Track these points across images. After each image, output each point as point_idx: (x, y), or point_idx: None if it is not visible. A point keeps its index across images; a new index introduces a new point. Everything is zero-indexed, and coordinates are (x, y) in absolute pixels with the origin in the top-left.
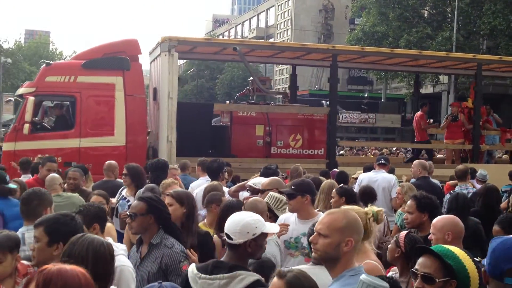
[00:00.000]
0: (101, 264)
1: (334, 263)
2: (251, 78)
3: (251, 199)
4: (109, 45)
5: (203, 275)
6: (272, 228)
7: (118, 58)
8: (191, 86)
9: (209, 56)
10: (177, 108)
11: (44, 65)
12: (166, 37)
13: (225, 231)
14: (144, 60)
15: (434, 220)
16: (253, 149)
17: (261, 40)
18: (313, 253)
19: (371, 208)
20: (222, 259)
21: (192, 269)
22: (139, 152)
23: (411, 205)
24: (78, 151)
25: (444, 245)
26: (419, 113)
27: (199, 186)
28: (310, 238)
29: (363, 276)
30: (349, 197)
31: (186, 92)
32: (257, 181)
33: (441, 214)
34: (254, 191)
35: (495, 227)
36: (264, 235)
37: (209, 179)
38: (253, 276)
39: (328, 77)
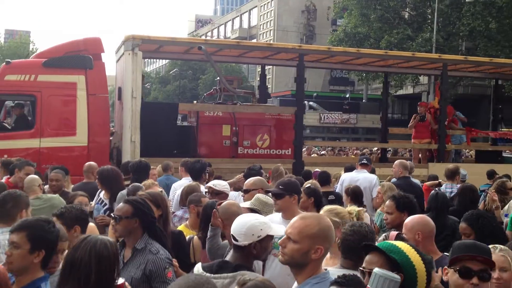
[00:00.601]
0: (105, 267)
1: (300, 269)
2: (218, 77)
3: (224, 203)
4: (71, 43)
5: (207, 275)
6: (278, 230)
7: (80, 57)
8: (173, 87)
9: (176, 55)
10: (141, 108)
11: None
12: (129, 36)
13: (231, 232)
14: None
15: (406, 220)
16: (219, 149)
17: (227, 39)
18: (279, 256)
19: (353, 208)
20: (227, 259)
21: (197, 268)
22: (102, 152)
23: (390, 205)
24: (38, 151)
25: (391, 241)
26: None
27: (179, 186)
28: (279, 241)
29: (376, 269)
30: (317, 198)
31: (169, 92)
32: (217, 182)
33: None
34: (213, 193)
35: (462, 224)
36: (269, 238)
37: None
38: (255, 276)
39: (298, 77)
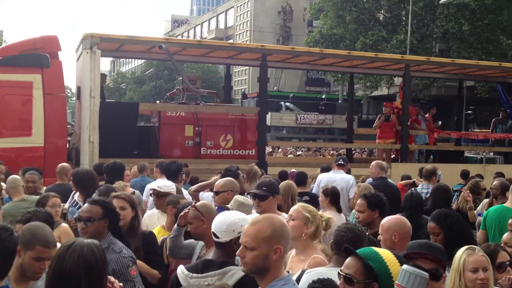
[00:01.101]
0: (94, 274)
1: (264, 273)
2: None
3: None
4: (27, 41)
5: (194, 275)
6: None
7: (36, 55)
8: (149, 87)
9: (137, 55)
10: (100, 107)
11: None
12: (87, 34)
13: (212, 229)
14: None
15: (382, 221)
16: (182, 149)
17: (190, 39)
18: (242, 266)
19: (326, 214)
20: (210, 257)
21: (181, 270)
22: (59, 153)
23: (362, 204)
24: None
25: (373, 247)
26: (426, 115)
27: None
28: (237, 252)
29: (405, 266)
30: (334, 197)
31: (145, 93)
32: (163, 183)
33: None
34: (158, 195)
35: (430, 224)
36: None
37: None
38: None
39: (261, 77)
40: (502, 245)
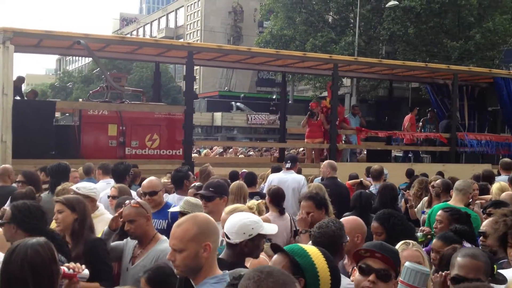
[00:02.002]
0: (41, 275)
1: (197, 272)
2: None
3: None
4: None
5: None
6: (270, 229)
7: None
8: (97, 86)
9: (60, 51)
10: (14, 106)
11: None
12: (0, 28)
13: (224, 230)
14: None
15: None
16: (105, 149)
17: (112, 35)
18: (175, 270)
19: (252, 202)
20: (221, 256)
21: None
22: None
23: (309, 205)
24: None
25: (300, 244)
26: (408, 115)
27: (100, 189)
28: (167, 256)
29: (407, 263)
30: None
31: (103, 92)
32: (82, 185)
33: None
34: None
35: (373, 224)
36: (261, 236)
37: (110, 182)
38: None
39: (187, 75)
40: (433, 253)
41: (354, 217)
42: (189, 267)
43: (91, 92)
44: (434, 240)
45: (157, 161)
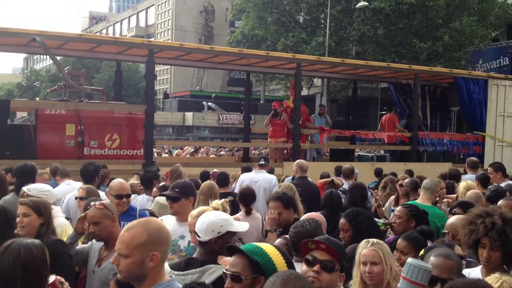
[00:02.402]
0: (31, 276)
1: (142, 280)
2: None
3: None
4: None
5: (176, 272)
6: (240, 227)
7: None
8: None
9: (13, 48)
10: None
11: None
12: None
13: (195, 229)
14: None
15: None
16: (62, 150)
17: (70, 32)
18: (118, 275)
19: (216, 202)
20: (194, 255)
21: (165, 267)
22: None
23: (278, 206)
24: None
25: (255, 243)
26: (389, 115)
27: (63, 192)
28: (112, 260)
29: (410, 260)
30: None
31: (61, 91)
32: (32, 187)
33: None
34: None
35: (341, 220)
36: (230, 234)
37: (70, 183)
38: (223, 269)
39: (147, 74)
40: (398, 253)
41: (317, 213)
42: (132, 275)
43: (48, 90)
44: (399, 240)
45: (117, 162)
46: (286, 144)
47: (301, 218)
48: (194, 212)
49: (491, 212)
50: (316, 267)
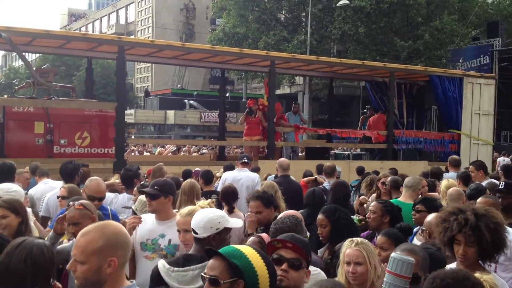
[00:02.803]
0: (41, 272)
1: (100, 287)
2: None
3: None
4: None
5: (176, 269)
6: (235, 223)
7: None
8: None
9: None
10: None
11: None
12: None
13: (191, 226)
14: None
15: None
16: (31, 148)
17: (37, 28)
18: (75, 281)
19: (203, 202)
20: (190, 252)
21: (163, 264)
22: None
23: (258, 205)
24: None
25: (234, 245)
26: (377, 115)
27: (41, 191)
28: (67, 266)
29: (393, 254)
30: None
31: (39, 89)
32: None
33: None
34: None
35: (319, 216)
36: (227, 230)
37: (48, 182)
38: None
39: (118, 71)
40: (378, 249)
41: (294, 211)
42: (89, 281)
43: (16, 87)
44: (379, 236)
45: (87, 160)
46: (260, 142)
47: (279, 216)
48: (184, 211)
49: (463, 208)
50: (283, 266)
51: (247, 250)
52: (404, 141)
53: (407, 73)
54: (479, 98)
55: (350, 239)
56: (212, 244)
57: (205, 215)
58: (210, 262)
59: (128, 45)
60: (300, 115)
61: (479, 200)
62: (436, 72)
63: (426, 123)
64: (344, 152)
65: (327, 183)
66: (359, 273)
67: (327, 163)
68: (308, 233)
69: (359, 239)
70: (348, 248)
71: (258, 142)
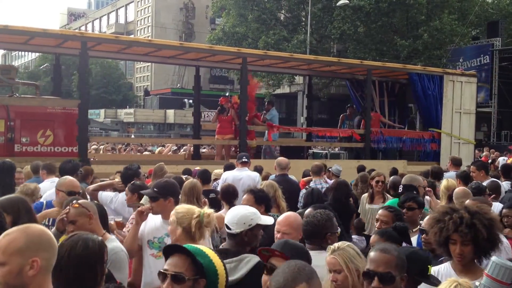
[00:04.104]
0: (84, 268)
1: None
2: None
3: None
4: None
5: None
6: (267, 220)
7: None
8: (44, 83)
9: None
10: None
11: None
12: None
13: (225, 222)
14: None
15: (290, 219)
16: None
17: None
18: None
19: (204, 210)
20: (223, 246)
21: None
22: None
23: (249, 199)
24: None
25: (194, 244)
26: (372, 114)
27: (46, 189)
28: None
29: (494, 258)
30: (140, 194)
31: (39, 89)
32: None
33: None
34: None
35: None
36: (259, 227)
37: (55, 181)
38: (257, 258)
39: (80, 67)
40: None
41: (296, 213)
42: (10, 285)
43: None
44: (372, 236)
45: (50, 159)
46: (231, 141)
47: (308, 210)
48: (180, 208)
49: (455, 207)
50: None
51: (208, 250)
52: (383, 140)
53: (386, 71)
54: (460, 96)
55: (331, 246)
56: (245, 239)
57: (238, 212)
58: (172, 259)
59: (91, 41)
60: (272, 113)
61: (467, 202)
62: (415, 70)
63: (408, 122)
64: (321, 151)
65: (313, 183)
66: (340, 280)
67: (315, 162)
68: (339, 229)
69: (338, 244)
70: (328, 256)
71: (229, 141)
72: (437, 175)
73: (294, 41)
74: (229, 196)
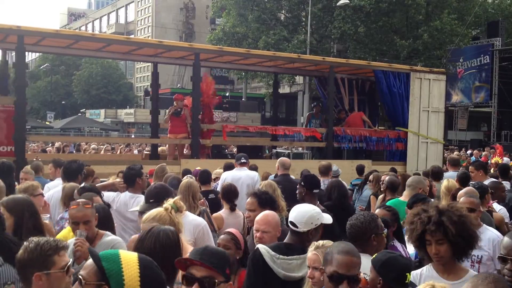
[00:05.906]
0: (169, 253)
1: None
2: None
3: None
4: None
5: (281, 256)
6: (327, 219)
7: None
8: (44, 83)
9: None
10: None
11: None
12: None
13: (291, 219)
14: None
15: (268, 218)
16: None
17: None
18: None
19: (169, 202)
20: (287, 241)
21: (266, 250)
22: None
23: (252, 203)
24: None
25: (121, 250)
26: (354, 113)
27: (54, 187)
28: None
29: None
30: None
31: (39, 88)
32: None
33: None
34: None
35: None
36: (322, 225)
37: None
38: None
39: (18, 62)
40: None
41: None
42: None
43: None
44: (378, 210)
45: None
46: (184, 140)
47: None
48: (144, 217)
49: (426, 208)
50: (194, 287)
51: (128, 257)
52: (346, 139)
53: (350, 68)
54: (428, 95)
55: (315, 242)
56: (309, 237)
57: (306, 211)
58: (88, 261)
59: (28, 35)
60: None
61: (462, 200)
62: (380, 67)
63: (378, 120)
64: (284, 151)
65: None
66: (317, 278)
67: (322, 162)
68: (385, 230)
69: (322, 242)
70: (309, 251)
71: (180, 140)
72: (437, 175)
73: (294, 41)
74: (230, 195)
